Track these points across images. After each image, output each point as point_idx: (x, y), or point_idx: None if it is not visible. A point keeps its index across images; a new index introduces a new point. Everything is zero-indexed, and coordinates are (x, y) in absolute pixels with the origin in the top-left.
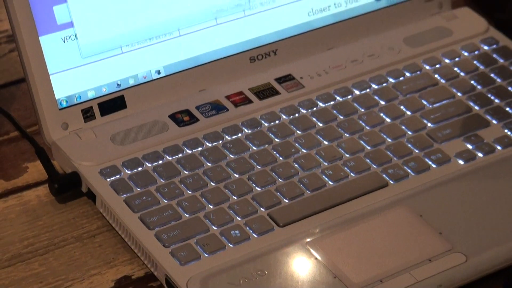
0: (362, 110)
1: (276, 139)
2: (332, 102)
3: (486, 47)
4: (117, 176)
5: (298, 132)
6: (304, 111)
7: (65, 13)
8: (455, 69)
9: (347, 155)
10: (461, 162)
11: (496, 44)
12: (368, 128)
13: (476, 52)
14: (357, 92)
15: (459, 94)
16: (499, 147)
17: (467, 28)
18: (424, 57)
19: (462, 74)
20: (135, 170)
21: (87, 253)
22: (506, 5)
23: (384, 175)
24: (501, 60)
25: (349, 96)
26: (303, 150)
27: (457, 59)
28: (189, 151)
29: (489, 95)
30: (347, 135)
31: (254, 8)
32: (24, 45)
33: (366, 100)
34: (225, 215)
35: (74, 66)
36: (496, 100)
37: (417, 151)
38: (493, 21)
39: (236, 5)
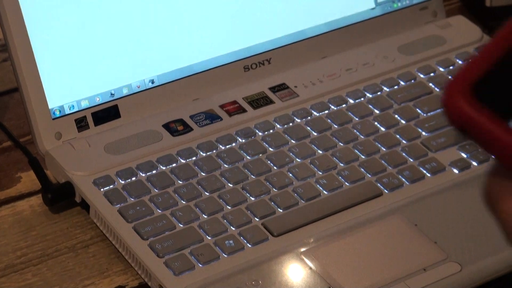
0: (356, 119)
1: (271, 149)
2: (326, 111)
3: None
4: (111, 186)
5: (292, 141)
6: (299, 120)
7: None
8: (450, 77)
9: (342, 164)
10: (455, 171)
11: None
12: (362, 137)
13: None
14: (351, 101)
15: None
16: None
17: (462, 36)
18: (419, 65)
19: None
20: (129, 180)
21: (80, 263)
22: (499, 13)
23: (378, 184)
24: None
25: (344, 105)
26: (297, 159)
27: (451, 67)
28: (183, 161)
29: None
30: (342, 144)
31: (247, 16)
32: (16, 54)
33: (360, 109)
34: (219, 225)
35: (67, 76)
36: None
37: (411, 160)
38: (487, 29)
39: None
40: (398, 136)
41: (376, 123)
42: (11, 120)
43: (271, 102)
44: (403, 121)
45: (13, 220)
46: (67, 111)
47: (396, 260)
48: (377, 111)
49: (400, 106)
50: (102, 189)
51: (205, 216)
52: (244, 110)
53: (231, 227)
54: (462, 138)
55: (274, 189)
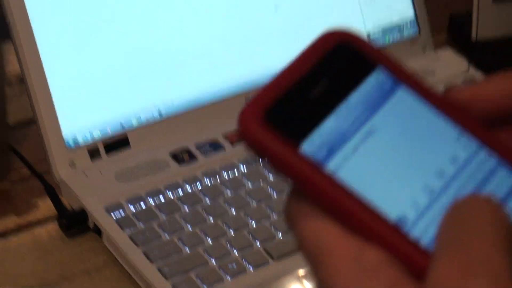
0: None
1: (270, 176)
2: None
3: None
4: (122, 213)
5: None
6: None
7: None
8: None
9: None
10: None
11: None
12: None
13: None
14: None
15: None
16: None
17: (449, 68)
18: None
19: None
20: (139, 207)
21: (95, 286)
22: (484, 46)
23: None
24: None
25: None
26: None
27: None
28: (189, 188)
29: None
30: None
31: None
32: (33, 89)
33: None
34: (222, 248)
35: (81, 108)
36: None
37: None
38: (473, 61)
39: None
40: None
41: None
42: (29, 150)
43: None
44: None
45: (31, 245)
46: (80, 142)
47: None
48: None
49: None
50: (113, 216)
51: (210, 240)
52: None
53: (234, 251)
54: (259, 161)
55: (274, 214)
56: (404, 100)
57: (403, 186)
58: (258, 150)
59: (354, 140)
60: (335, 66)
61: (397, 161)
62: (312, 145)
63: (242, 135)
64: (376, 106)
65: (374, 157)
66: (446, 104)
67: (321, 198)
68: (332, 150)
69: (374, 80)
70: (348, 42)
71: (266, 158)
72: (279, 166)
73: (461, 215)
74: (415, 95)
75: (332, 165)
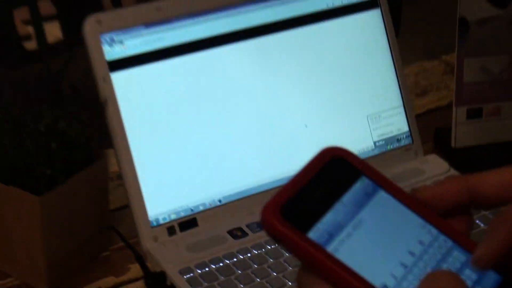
0: None
1: None
2: None
3: None
4: (191, 274)
5: None
6: None
7: None
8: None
9: None
10: None
11: None
12: None
13: None
14: None
15: None
16: None
17: (435, 169)
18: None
19: None
20: (204, 270)
21: None
22: (462, 151)
23: None
24: None
25: None
26: None
27: None
28: (241, 257)
29: None
30: None
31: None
32: (128, 183)
33: None
34: None
35: (162, 197)
36: None
37: None
38: (453, 163)
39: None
40: None
41: None
42: (125, 228)
43: None
44: None
45: None
46: (161, 222)
47: None
48: None
49: None
50: (185, 277)
51: None
52: None
53: None
54: (278, 245)
55: None
56: (383, 199)
57: (384, 262)
58: (276, 237)
59: (347, 228)
60: (331, 174)
61: (379, 244)
62: (316, 233)
63: (263, 226)
64: (362, 203)
65: (363, 241)
66: (413, 201)
67: (325, 271)
68: (331, 236)
69: (360, 184)
70: (340, 155)
71: (281, 242)
72: (291, 249)
73: (433, 283)
74: (391, 195)
75: (331, 247)
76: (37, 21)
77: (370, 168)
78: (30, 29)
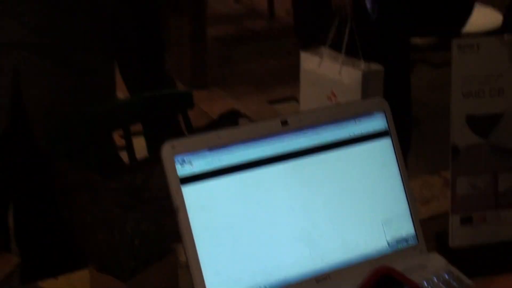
0: None
1: None
2: None
3: (446, 276)
4: None
5: None
6: None
7: None
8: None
9: None
10: None
11: (451, 275)
12: None
13: (442, 279)
14: None
15: None
16: None
17: (436, 264)
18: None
19: None
20: None
21: None
22: (457, 251)
23: None
24: (454, 283)
25: None
26: None
27: (430, 281)
28: None
29: None
30: None
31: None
32: (192, 269)
33: None
34: None
35: (217, 282)
36: None
37: None
38: (450, 260)
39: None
40: None
41: None
42: None
43: None
44: None
45: None
46: None
47: None
48: None
49: None
50: None
51: None
52: None
53: None
54: None
55: None
56: None
57: None
58: None
59: None
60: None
61: None
62: None
63: None
64: None
65: None
66: None
67: None
68: None
69: None
70: (389, 273)
71: None
72: None
73: None
74: None
75: None
76: (128, 138)
77: (411, 281)
78: (123, 142)
